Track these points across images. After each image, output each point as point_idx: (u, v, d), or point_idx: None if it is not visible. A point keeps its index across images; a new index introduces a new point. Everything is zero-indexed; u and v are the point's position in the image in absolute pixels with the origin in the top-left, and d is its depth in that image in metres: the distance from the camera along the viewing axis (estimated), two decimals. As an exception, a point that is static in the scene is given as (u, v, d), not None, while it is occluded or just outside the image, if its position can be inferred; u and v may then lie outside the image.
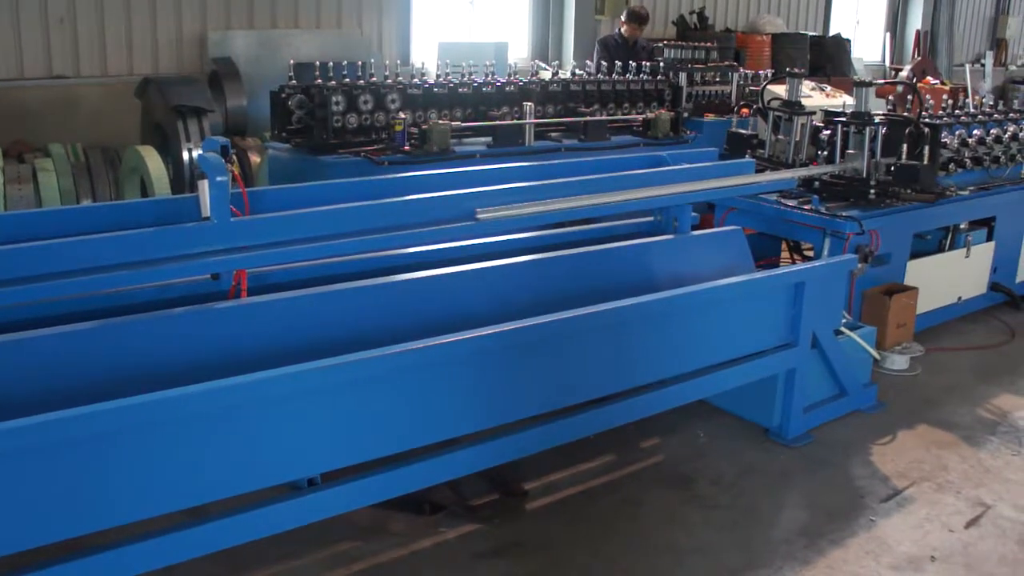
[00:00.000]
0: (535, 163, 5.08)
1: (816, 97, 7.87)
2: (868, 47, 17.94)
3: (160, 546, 2.88)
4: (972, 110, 7.28)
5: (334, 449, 3.17)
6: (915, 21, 18.25)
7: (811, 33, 15.14)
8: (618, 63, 8.08)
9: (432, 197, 3.95)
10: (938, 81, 15.11)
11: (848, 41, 15.65)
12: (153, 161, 6.64)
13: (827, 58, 14.63)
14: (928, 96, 11.31)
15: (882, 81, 10.47)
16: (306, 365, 2.97)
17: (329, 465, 3.21)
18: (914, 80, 13.89)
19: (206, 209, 3.29)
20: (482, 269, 4.12)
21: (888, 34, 18.16)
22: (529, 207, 4.02)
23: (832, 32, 16.31)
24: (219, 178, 3.26)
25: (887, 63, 17.85)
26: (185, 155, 7.22)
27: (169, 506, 2.90)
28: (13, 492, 2.57)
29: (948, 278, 6.38)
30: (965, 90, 9.20)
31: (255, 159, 7.70)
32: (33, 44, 8.35)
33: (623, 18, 9.62)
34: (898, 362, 5.68)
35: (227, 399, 2.86)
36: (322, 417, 3.10)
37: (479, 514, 3.92)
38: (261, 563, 3.52)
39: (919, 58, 17.39)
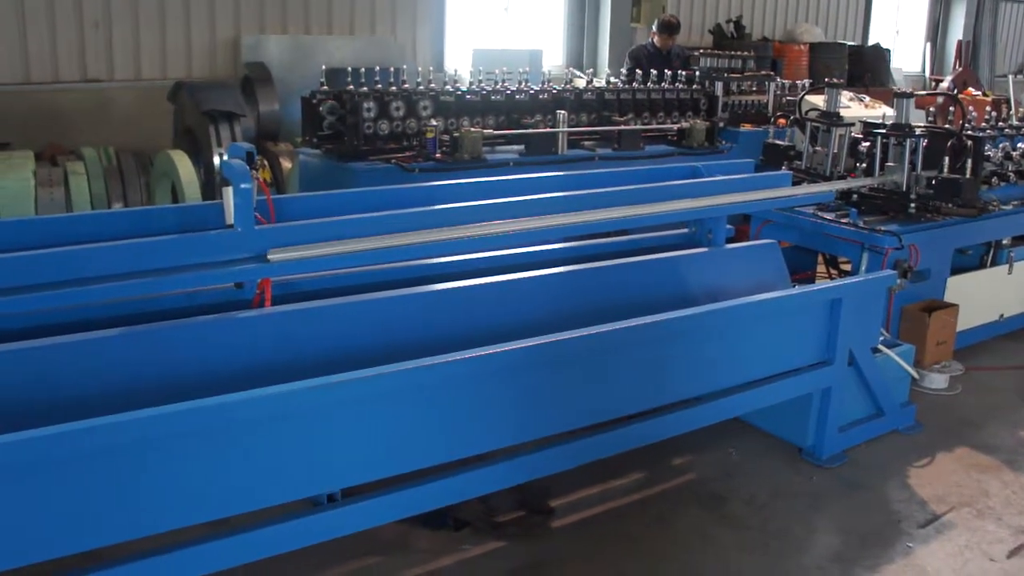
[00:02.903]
0: (567, 172, 4.99)
1: (855, 108, 7.71)
2: (908, 57, 17.72)
3: (178, 560, 2.83)
4: (1016, 122, 7.11)
5: (361, 463, 3.10)
6: (956, 31, 17.99)
7: (850, 42, 14.98)
8: (652, 72, 7.98)
9: (462, 207, 3.88)
10: (980, 92, 14.83)
11: (888, 51, 15.45)
12: (184, 166, 6.62)
13: (866, 68, 14.45)
14: (971, 107, 11.09)
15: (923, 92, 10.26)
16: (332, 378, 2.90)
17: (355, 480, 3.15)
18: (955, 91, 13.65)
19: (230, 216, 3.24)
20: (512, 281, 4.03)
21: (928, 44, 17.92)
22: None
23: (871, 42, 16.13)
24: (243, 185, 3.20)
25: (927, 73, 17.61)
26: (216, 160, 7.18)
27: (190, 518, 2.84)
28: (29, 503, 2.52)
29: (990, 295, 6.22)
30: (1008, 101, 9.01)
31: (286, 165, 7.67)
32: (68, 48, 8.42)
33: (654, 28, 9.53)
34: (937, 381, 5.52)
35: (252, 411, 2.80)
36: (349, 431, 3.03)
37: (504, 531, 3.84)
38: (280, 578, 3.46)
39: (960, 68, 17.13)
